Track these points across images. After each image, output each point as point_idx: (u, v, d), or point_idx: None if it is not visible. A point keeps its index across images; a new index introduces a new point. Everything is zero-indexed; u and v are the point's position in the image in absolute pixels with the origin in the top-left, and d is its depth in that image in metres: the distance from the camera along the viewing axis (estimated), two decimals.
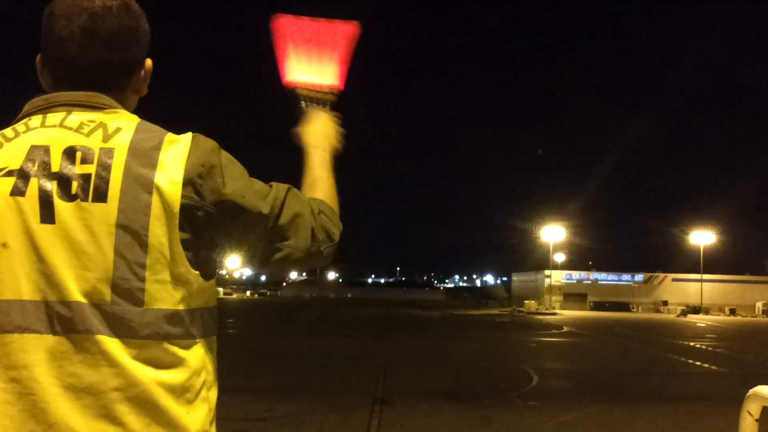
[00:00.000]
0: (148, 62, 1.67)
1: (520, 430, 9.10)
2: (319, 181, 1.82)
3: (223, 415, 1.58)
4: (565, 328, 38.33)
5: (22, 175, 1.42)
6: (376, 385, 12.85)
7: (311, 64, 2.09)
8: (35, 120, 1.50)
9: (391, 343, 24.81)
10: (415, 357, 19.12)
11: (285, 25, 2.09)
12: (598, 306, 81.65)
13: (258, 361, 16.12)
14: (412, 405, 10.80)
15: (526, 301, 76.16)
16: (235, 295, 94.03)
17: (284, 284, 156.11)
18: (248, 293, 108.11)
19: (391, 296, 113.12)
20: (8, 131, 1.50)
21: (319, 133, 1.97)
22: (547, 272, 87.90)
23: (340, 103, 2.09)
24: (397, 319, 43.98)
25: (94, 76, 1.56)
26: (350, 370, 15.40)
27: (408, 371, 15.39)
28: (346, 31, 2.12)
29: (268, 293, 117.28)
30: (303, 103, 2.06)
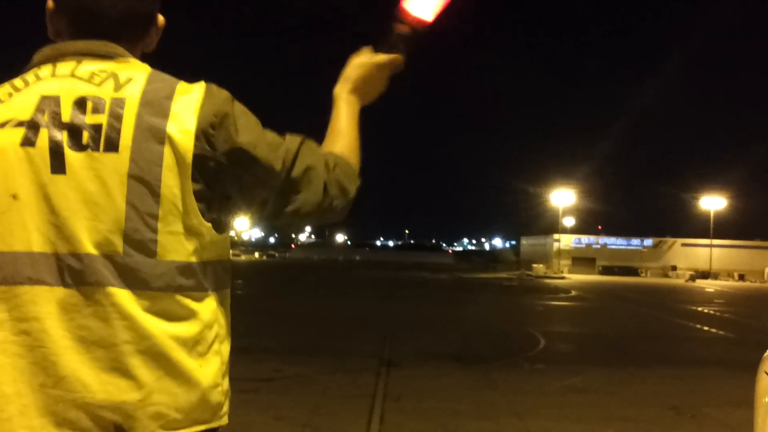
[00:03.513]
0: (161, 18, 1.67)
1: (526, 392, 9.11)
2: (342, 134, 1.77)
3: (230, 374, 1.57)
4: (573, 292, 38.43)
5: (33, 126, 1.41)
6: (383, 347, 12.90)
7: None
8: (45, 70, 1.49)
9: (399, 305, 24.93)
10: (423, 320, 19.21)
11: None
12: (606, 270, 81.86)
13: (265, 322, 16.20)
14: (419, 367, 10.84)
15: (535, 265, 76.40)
16: (243, 257, 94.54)
17: (293, 246, 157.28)
18: (257, 255, 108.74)
19: (400, 259, 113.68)
20: (18, 81, 1.49)
21: (354, 81, 1.86)
22: (556, 236, 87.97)
23: (418, 42, 1.90)
24: (405, 282, 44.21)
25: (118, 27, 1.54)
26: (357, 332, 15.47)
27: (415, 334, 15.46)
28: None
29: (277, 255, 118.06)
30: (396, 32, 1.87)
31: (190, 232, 1.42)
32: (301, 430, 6.91)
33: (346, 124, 1.80)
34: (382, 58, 1.89)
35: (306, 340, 13.78)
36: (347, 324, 17.27)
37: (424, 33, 1.90)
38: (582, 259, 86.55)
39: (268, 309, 19.98)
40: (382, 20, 1.92)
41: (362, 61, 1.88)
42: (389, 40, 1.89)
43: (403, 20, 1.88)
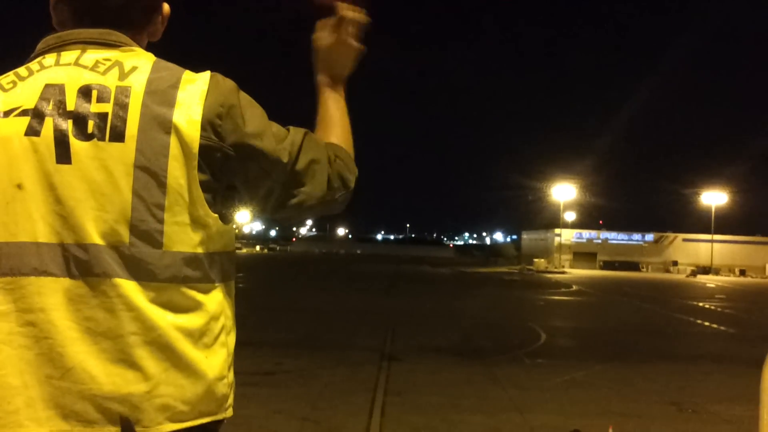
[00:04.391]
0: (166, 6, 1.66)
1: (527, 387, 9.11)
2: (335, 123, 1.76)
3: None
4: (574, 287, 38.42)
5: (37, 115, 1.39)
6: (385, 341, 12.92)
7: None
8: (49, 58, 1.48)
9: (400, 299, 24.94)
10: (424, 314, 19.22)
11: None
12: (607, 265, 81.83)
13: (267, 315, 16.21)
14: (420, 361, 10.85)
15: (536, 260, 76.28)
16: (244, 250, 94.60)
17: (294, 239, 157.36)
18: (258, 248, 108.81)
19: (401, 253, 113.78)
20: (22, 70, 1.48)
21: (330, 65, 1.84)
22: (557, 231, 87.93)
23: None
24: (405, 276, 44.22)
25: (120, 14, 1.53)
26: (359, 326, 15.49)
27: (416, 328, 15.47)
28: None
29: (278, 248, 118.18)
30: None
31: (196, 222, 1.41)
32: (302, 424, 6.91)
33: (336, 112, 1.79)
34: (339, 31, 1.83)
35: (307, 334, 13.78)
36: (348, 318, 17.28)
37: None
38: (583, 254, 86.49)
39: (269, 302, 19.98)
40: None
41: (324, 38, 1.83)
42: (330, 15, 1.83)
43: None
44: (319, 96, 1.82)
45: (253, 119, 1.49)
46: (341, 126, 1.77)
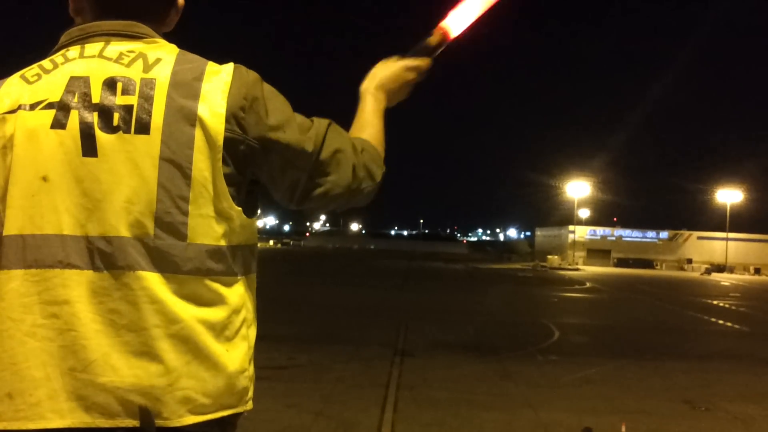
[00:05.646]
0: None
1: (540, 383, 9.10)
2: (368, 124, 1.78)
3: None
4: (588, 284, 38.26)
5: (63, 108, 1.40)
6: (398, 337, 12.91)
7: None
8: (73, 51, 1.48)
9: (413, 295, 24.92)
10: (437, 310, 19.18)
11: None
12: (621, 263, 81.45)
13: (280, 310, 16.20)
14: (433, 357, 10.85)
15: (549, 257, 76.08)
16: (258, 245, 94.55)
17: (307, 234, 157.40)
18: (271, 242, 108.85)
19: (414, 248, 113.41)
20: (46, 63, 1.48)
21: (380, 79, 1.88)
22: (571, 228, 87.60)
23: (441, 52, 2.00)
24: (419, 272, 44.17)
25: (141, 6, 1.54)
26: (372, 322, 15.50)
27: (429, 324, 15.44)
28: None
29: (291, 243, 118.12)
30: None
31: (220, 215, 1.42)
32: (314, 419, 6.93)
33: (372, 117, 1.81)
34: (409, 60, 1.93)
35: (320, 329, 13.77)
36: (362, 313, 17.30)
37: (448, 44, 2.00)
38: (597, 251, 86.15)
39: (282, 297, 19.98)
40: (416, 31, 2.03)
41: (390, 62, 1.91)
42: (417, 49, 1.97)
43: (434, 32, 1.98)
44: (360, 102, 1.84)
45: (276, 111, 1.50)
46: (375, 129, 1.78)
